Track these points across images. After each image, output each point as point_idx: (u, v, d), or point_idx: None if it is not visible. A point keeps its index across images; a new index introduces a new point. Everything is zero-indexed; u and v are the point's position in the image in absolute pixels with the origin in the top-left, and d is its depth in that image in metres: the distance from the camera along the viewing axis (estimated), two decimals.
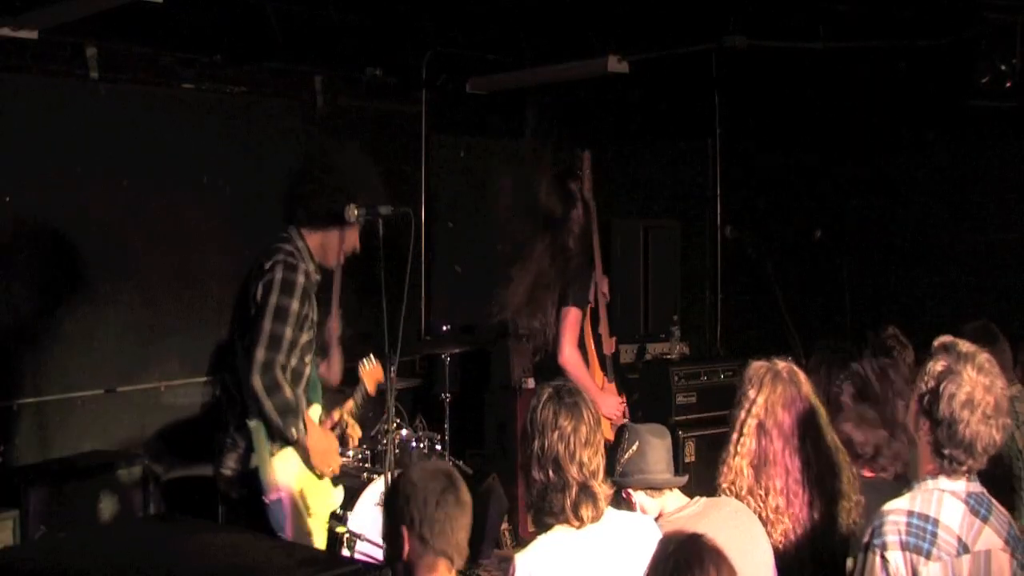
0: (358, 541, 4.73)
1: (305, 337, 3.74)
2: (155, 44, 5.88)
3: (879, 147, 6.79)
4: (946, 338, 2.77)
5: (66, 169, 5.67)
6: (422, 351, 6.73)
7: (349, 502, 4.81)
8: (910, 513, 2.69)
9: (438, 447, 5.70)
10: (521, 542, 6.59)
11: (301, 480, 3.76)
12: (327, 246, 3.85)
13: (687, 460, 6.40)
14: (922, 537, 2.65)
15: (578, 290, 4.98)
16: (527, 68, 6.84)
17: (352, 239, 3.88)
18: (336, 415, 4.25)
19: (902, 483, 3.23)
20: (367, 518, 4.82)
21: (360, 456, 5.41)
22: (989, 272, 6.24)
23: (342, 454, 5.35)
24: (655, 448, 3.36)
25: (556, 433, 2.83)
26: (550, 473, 2.82)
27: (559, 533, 2.86)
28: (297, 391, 3.66)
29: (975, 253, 6.33)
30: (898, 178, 6.75)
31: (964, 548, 2.67)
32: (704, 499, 3.38)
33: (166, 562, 2.61)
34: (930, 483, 2.74)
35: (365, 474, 5.10)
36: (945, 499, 2.71)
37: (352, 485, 4.90)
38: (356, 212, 3.77)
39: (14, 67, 5.44)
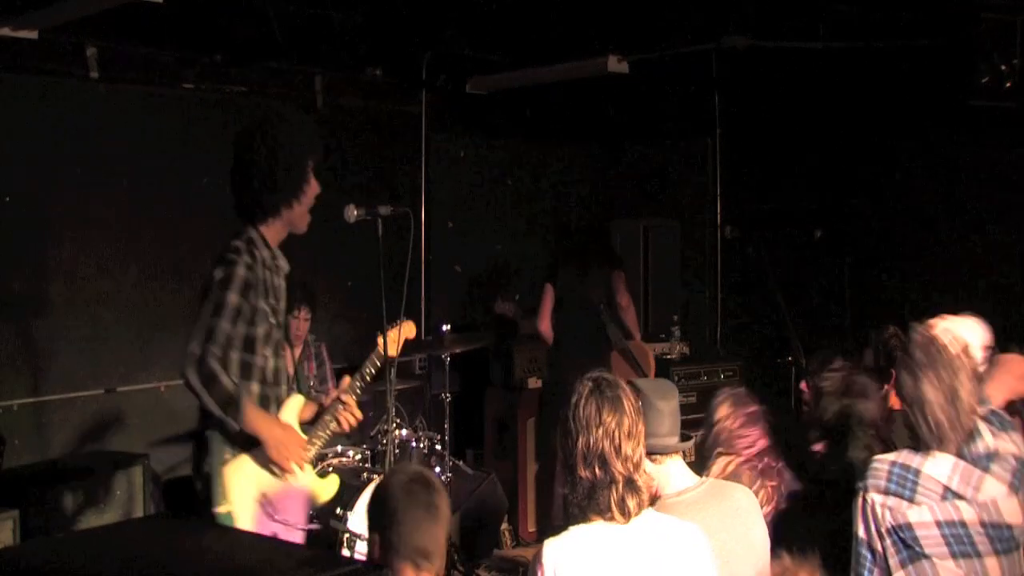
0: (358, 541, 4.72)
1: (259, 330, 3.59)
2: (155, 44, 5.88)
3: (879, 147, 6.79)
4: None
5: (66, 169, 5.68)
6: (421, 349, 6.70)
7: (349, 502, 4.82)
8: (893, 463, 3.04)
9: (438, 447, 5.70)
10: (521, 542, 6.60)
11: (262, 487, 3.59)
12: (294, 221, 3.71)
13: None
14: (903, 484, 2.99)
15: None
16: (527, 68, 6.83)
17: (311, 193, 3.71)
18: (331, 396, 3.88)
19: None
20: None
21: (360, 456, 5.41)
22: (989, 272, 6.23)
23: (335, 442, 5.29)
24: (657, 411, 3.21)
25: (601, 429, 2.80)
26: (596, 470, 2.79)
27: (594, 526, 2.81)
28: (249, 385, 3.54)
29: (975, 253, 6.33)
30: (898, 178, 6.75)
31: (954, 495, 2.96)
32: (710, 482, 3.31)
33: (166, 562, 2.61)
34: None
35: (365, 474, 5.10)
36: (934, 455, 3.01)
37: (352, 485, 4.90)
38: (356, 212, 3.75)
39: (14, 67, 5.45)
